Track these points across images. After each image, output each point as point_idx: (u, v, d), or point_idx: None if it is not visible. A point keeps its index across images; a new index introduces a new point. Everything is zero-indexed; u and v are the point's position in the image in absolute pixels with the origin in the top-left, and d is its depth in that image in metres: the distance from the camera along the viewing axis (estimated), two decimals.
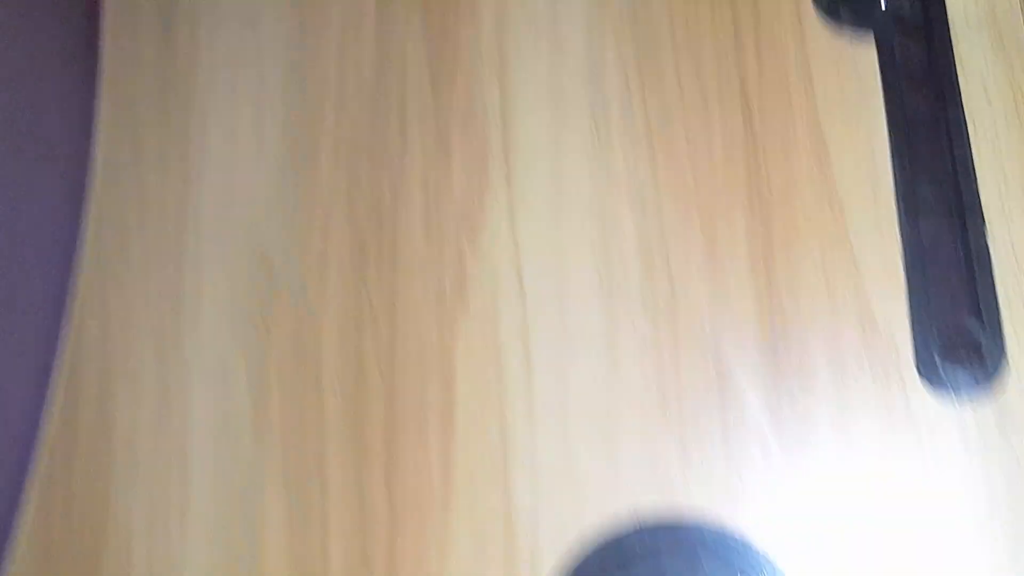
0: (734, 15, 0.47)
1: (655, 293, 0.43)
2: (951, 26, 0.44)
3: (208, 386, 0.47)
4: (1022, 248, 0.40)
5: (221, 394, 0.46)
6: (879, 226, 0.42)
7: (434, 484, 0.43)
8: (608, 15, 0.48)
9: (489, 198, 0.46)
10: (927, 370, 0.40)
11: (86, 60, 0.52)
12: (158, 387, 0.47)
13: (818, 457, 0.40)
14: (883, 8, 0.45)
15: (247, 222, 0.49)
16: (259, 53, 0.50)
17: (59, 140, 0.52)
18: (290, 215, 0.48)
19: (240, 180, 0.49)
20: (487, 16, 0.49)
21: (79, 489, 0.47)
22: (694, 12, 0.47)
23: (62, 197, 0.51)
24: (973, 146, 0.42)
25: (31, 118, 0.51)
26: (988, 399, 0.39)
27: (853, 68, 0.45)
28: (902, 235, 0.41)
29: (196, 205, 0.49)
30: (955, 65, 0.44)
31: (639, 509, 0.40)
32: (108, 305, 0.49)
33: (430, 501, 0.43)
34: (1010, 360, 0.39)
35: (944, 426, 0.39)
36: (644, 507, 0.41)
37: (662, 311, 0.42)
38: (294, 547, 0.44)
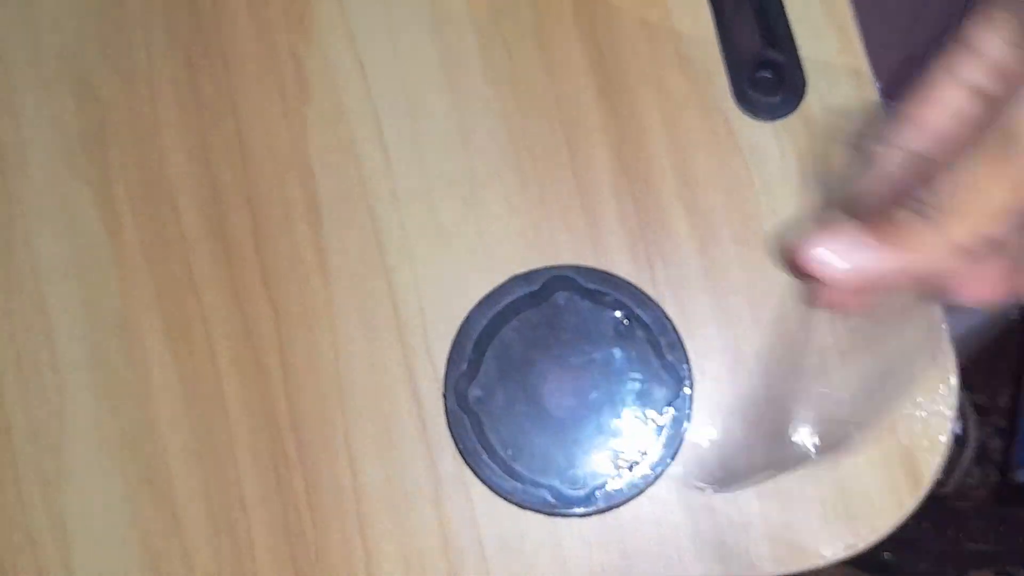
0: None
1: (494, 62, 0.45)
2: None
3: (54, 226, 0.45)
4: None
5: (71, 231, 0.45)
6: None
7: (313, 281, 0.44)
8: None
9: None
10: (742, 99, 0.44)
11: None
12: None
13: (663, 196, 0.44)
14: None
15: (61, 49, 0.46)
16: None
17: None
18: (107, 37, 0.46)
19: (46, 4, 0.46)
20: None
21: None
22: None
23: None
24: None
25: None
26: (795, 114, 0.44)
27: None
28: None
29: None
30: None
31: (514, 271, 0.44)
32: None
33: (312, 297, 0.44)
34: (808, 79, 0.44)
35: (763, 142, 0.44)
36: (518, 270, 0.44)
37: (504, 79, 0.45)
38: (182, 369, 0.44)
